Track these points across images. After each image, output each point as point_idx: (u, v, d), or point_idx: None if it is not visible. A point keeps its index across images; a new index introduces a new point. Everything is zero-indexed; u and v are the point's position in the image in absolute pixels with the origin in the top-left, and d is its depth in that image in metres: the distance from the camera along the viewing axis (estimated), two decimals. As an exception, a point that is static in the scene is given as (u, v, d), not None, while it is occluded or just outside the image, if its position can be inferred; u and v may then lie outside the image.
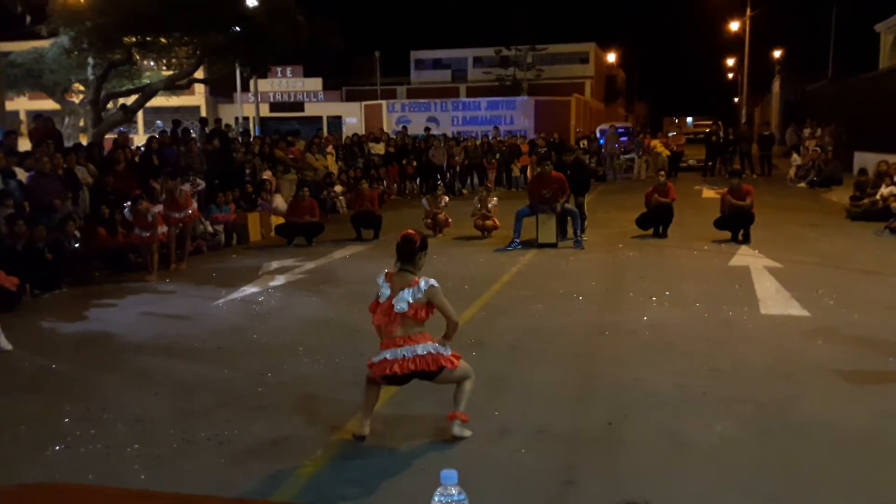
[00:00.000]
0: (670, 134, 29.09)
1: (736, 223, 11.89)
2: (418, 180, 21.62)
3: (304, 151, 17.41)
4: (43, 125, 13.52)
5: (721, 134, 25.62)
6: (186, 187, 11.14)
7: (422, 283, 4.55)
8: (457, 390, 4.71)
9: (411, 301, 4.50)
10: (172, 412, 5.31)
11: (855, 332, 6.88)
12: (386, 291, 4.59)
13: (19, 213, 9.69)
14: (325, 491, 4.14)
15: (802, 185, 20.71)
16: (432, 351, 4.53)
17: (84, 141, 16.36)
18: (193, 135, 15.29)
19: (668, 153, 24.54)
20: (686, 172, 25.80)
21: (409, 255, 4.69)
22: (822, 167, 20.80)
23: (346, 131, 33.31)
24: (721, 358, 6.24)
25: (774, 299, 8.18)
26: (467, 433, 4.70)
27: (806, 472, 4.23)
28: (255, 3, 18.56)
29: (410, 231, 4.80)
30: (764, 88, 49.57)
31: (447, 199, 14.03)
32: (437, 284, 4.59)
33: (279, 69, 39.04)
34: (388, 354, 4.57)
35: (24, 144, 13.73)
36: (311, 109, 40.82)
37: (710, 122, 33.09)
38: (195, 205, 11.44)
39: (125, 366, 6.47)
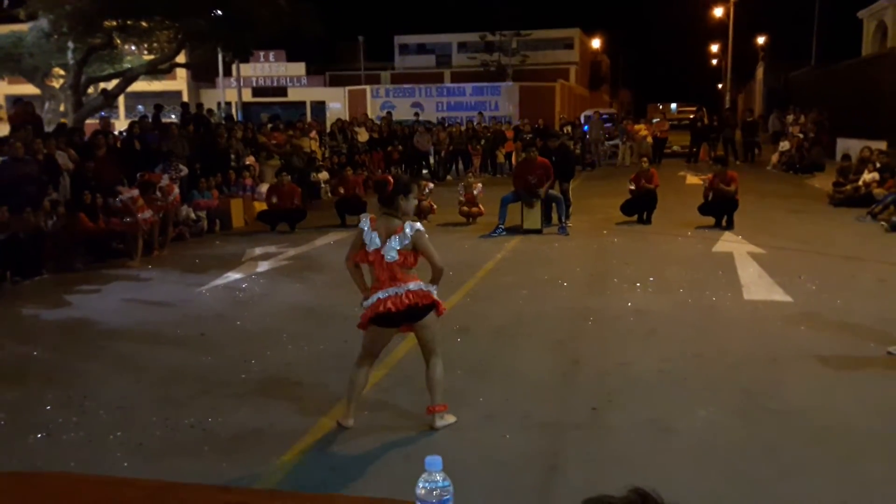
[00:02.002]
0: (654, 120, 29.03)
1: (720, 209, 11.95)
2: (403, 166, 21.56)
3: (290, 135, 17.30)
4: (23, 110, 13.32)
5: (705, 120, 25.67)
6: (165, 180, 11.04)
7: (407, 229, 4.49)
8: (428, 379, 4.66)
9: (399, 248, 4.47)
10: (155, 399, 5.28)
11: (837, 318, 6.93)
12: (376, 241, 4.50)
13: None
14: (309, 478, 4.13)
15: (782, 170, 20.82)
16: (423, 288, 4.52)
17: (65, 126, 16.14)
18: (172, 119, 15.13)
19: (650, 140, 24.58)
20: (670, 159, 25.86)
21: (389, 198, 4.57)
22: (805, 153, 20.91)
23: (330, 117, 33.12)
24: (705, 343, 6.27)
25: (757, 285, 8.22)
26: (451, 419, 4.70)
27: (788, 458, 4.26)
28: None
29: (387, 175, 4.76)
30: (747, 75, 49.76)
31: (431, 185, 13.99)
32: (422, 228, 4.55)
33: (262, 54, 38.63)
34: (380, 294, 4.52)
35: (4, 129, 13.53)
36: (294, 94, 40.46)
37: (693, 109, 33.12)
38: (177, 191, 11.34)
39: (107, 353, 6.42)
